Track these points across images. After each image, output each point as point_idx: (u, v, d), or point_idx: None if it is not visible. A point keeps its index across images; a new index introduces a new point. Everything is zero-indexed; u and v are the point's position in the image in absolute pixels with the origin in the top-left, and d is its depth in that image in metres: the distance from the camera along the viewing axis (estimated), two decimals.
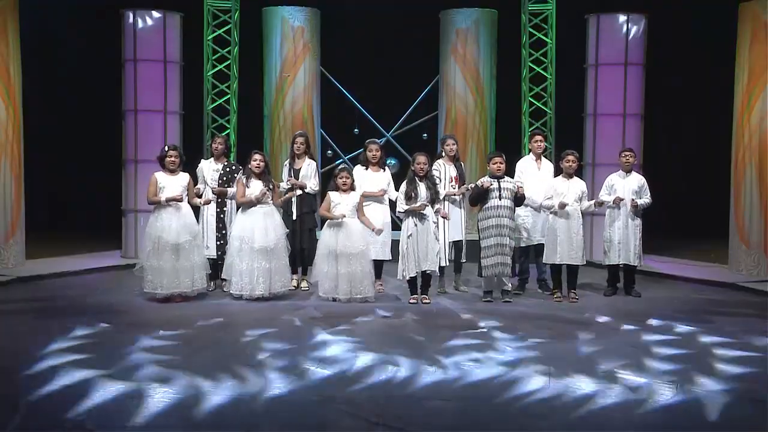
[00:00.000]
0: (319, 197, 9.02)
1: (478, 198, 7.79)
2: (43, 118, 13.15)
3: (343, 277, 7.63)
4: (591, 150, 10.83)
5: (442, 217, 7.85)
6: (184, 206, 7.72)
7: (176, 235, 7.55)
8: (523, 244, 8.40)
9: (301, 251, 8.38)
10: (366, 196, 8.04)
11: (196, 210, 8.13)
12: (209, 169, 8.38)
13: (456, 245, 8.33)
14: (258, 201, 7.73)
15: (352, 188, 7.82)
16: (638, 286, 8.39)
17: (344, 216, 7.63)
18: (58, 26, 13.05)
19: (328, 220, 7.76)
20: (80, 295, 8.07)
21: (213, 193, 8.24)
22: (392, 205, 8.10)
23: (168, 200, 7.57)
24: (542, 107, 11.70)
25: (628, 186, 8.24)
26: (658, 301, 8.10)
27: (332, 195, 7.79)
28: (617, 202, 8.15)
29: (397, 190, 7.98)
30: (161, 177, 7.73)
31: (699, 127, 13.46)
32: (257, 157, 7.90)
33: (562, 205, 7.80)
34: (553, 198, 7.93)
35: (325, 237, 7.75)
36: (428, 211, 7.64)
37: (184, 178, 7.77)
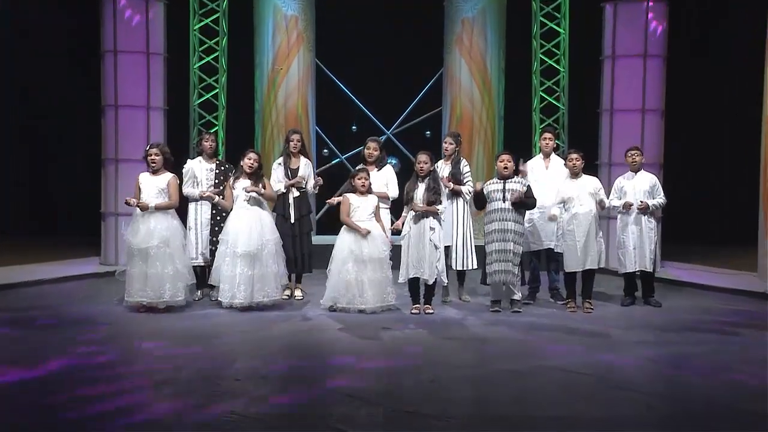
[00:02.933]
0: (315, 199, 9.01)
1: (476, 203, 7.82)
2: (16, 115, 13.20)
3: (371, 284, 7.60)
4: (607, 149, 10.79)
5: (447, 183, 7.91)
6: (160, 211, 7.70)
7: (142, 239, 7.54)
8: (533, 249, 8.37)
9: (302, 257, 8.35)
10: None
11: (184, 214, 8.11)
12: (201, 168, 8.34)
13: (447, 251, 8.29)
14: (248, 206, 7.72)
15: (369, 190, 7.82)
16: (658, 295, 8.36)
17: (369, 232, 7.60)
18: (33, 15, 13.06)
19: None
20: (56, 305, 8.04)
21: (203, 197, 8.23)
22: (395, 205, 8.12)
23: (139, 206, 7.58)
24: (554, 102, 11.69)
25: (638, 187, 8.22)
26: (680, 311, 8.06)
27: (351, 198, 7.75)
28: (627, 208, 8.14)
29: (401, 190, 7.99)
30: (143, 178, 7.73)
31: (724, 123, 13.43)
32: (252, 155, 7.89)
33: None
34: (564, 203, 7.92)
35: (346, 241, 7.69)
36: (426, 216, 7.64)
37: (163, 179, 7.73)
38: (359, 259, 7.60)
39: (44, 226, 13.65)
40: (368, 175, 7.83)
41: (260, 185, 7.79)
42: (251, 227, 7.70)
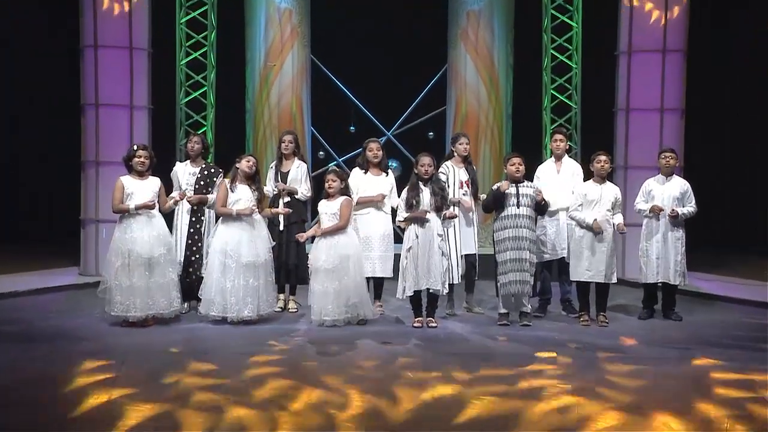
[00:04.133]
0: (310, 204, 8.99)
1: (494, 204, 7.76)
2: (17, 115, 13.22)
3: (322, 295, 7.61)
4: (623, 151, 10.78)
5: (449, 217, 7.73)
6: (157, 215, 7.67)
7: (149, 248, 7.49)
8: (545, 259, 8.36)
9: (288, 267, 8.33)
10: (361, 202, 8.04)
11: (169, 220, 8.08)
12: (184, 172, 8.32)
13: (468, 259, 8.29)
14: (239, 216, 7.70)
15: (344, 193, 7.79)
16: (679, 309, 8.33)
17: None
18: (33, 15, 13.06)
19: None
20: (31, 320, 7.99)
21: (188, 201, 8.18)
22: (395, 214, 8.07)
23: (138, 207, 7.51)
24: (566, 101, 11.67)
25: (668, 192, 8.18)
26: (703, 325, 8.03)
27: (320, 207, 7.80)
28: (656, 212, 8.10)
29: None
30: (128, 182, 7.65)
31: (749, 123, 13.41)
32: (251, 158, 7.89)
33: (592, 226, 7.77)
34: (582, 207, 7.89)
35: (312, 250, 7.78)
36: (433, 221, 7.58)
37: (155, 182, 7.71)
38: (315, 270, 7.65)
39: (43, 229, 13.65)
40: (337, 176, 7.78)
41: (257, 194, 7.81)
42: (252, 235, 7.70)
